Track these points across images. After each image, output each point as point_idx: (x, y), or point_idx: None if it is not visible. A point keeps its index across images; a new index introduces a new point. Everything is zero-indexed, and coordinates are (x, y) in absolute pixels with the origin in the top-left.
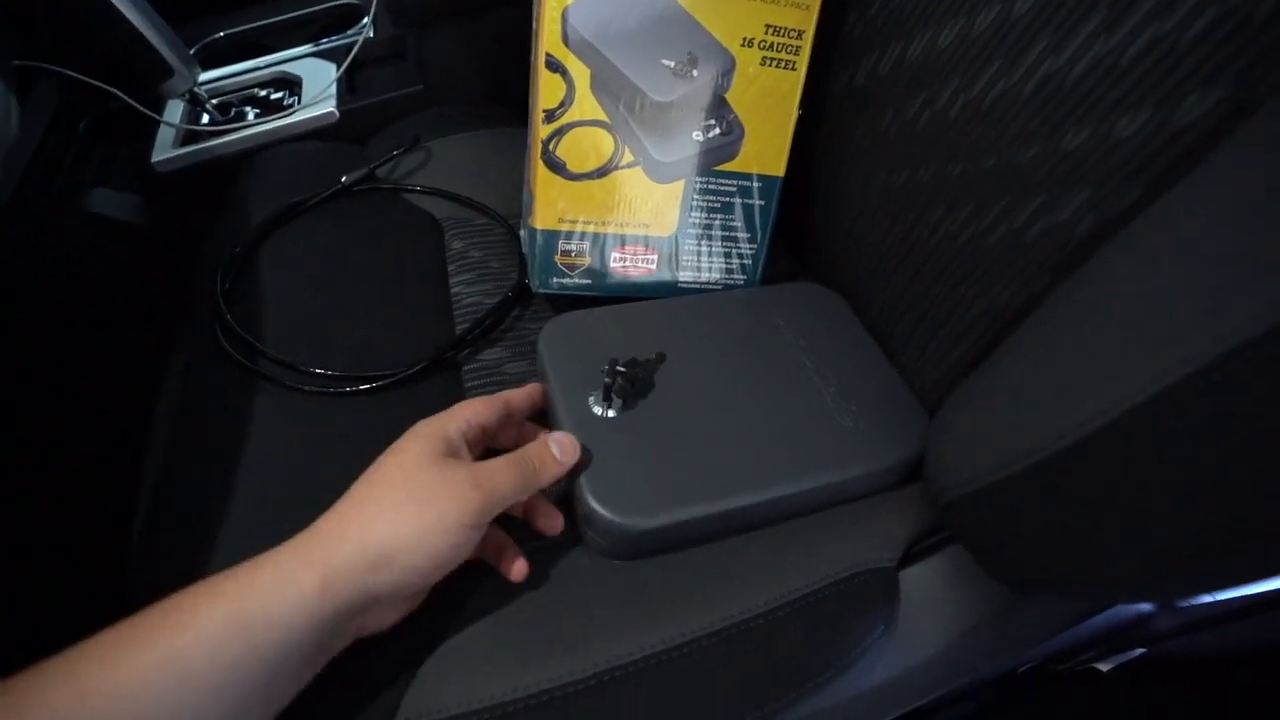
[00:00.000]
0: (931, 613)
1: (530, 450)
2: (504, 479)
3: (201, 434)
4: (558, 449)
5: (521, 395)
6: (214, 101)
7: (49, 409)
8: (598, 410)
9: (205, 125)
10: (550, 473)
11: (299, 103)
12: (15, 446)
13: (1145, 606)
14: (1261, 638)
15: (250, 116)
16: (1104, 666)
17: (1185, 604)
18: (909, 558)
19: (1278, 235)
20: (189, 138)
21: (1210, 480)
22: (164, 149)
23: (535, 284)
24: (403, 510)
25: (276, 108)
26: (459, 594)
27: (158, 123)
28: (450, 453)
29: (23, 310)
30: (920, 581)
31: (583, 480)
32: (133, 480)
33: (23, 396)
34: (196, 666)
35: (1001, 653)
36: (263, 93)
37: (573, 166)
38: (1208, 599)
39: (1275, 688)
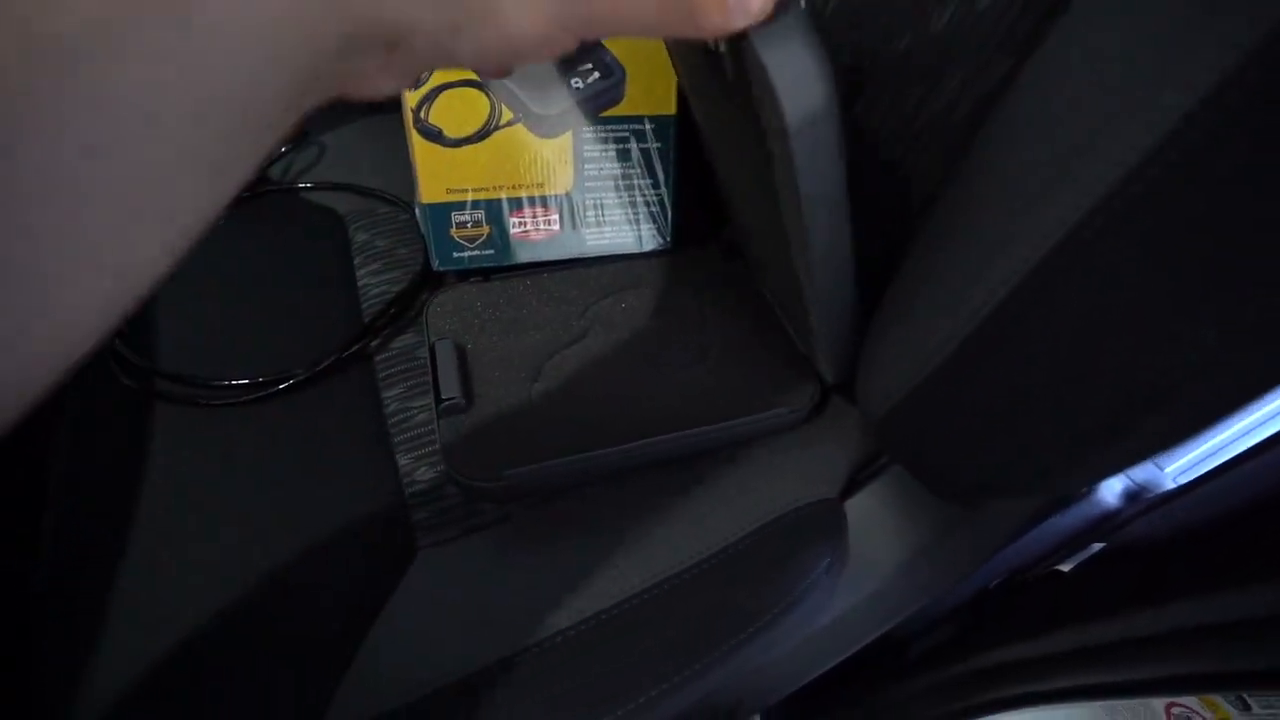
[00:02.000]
0: (881, 538)
1: None
2: None
3: (101, 465)
4: None
5: None
6: None
7: None
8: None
9: None
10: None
11: None
12: None
13: (1104, 504)
14: (1205, 511)
15: None
16: (1065, 567)
17: (1136, 490)
18: (851, 487)
19: (1142, 73)
20: None
21: (1114, 340)
22: None
23: (435, 263)
24: None
25: None
26: (384, 582)
27: None
28: None
29: None
30: (866, 509)
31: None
32: (31, 531)
33: None
34: None
35: (959, 570)
36: None
37: (450, 132)
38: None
39: (1215, 561)
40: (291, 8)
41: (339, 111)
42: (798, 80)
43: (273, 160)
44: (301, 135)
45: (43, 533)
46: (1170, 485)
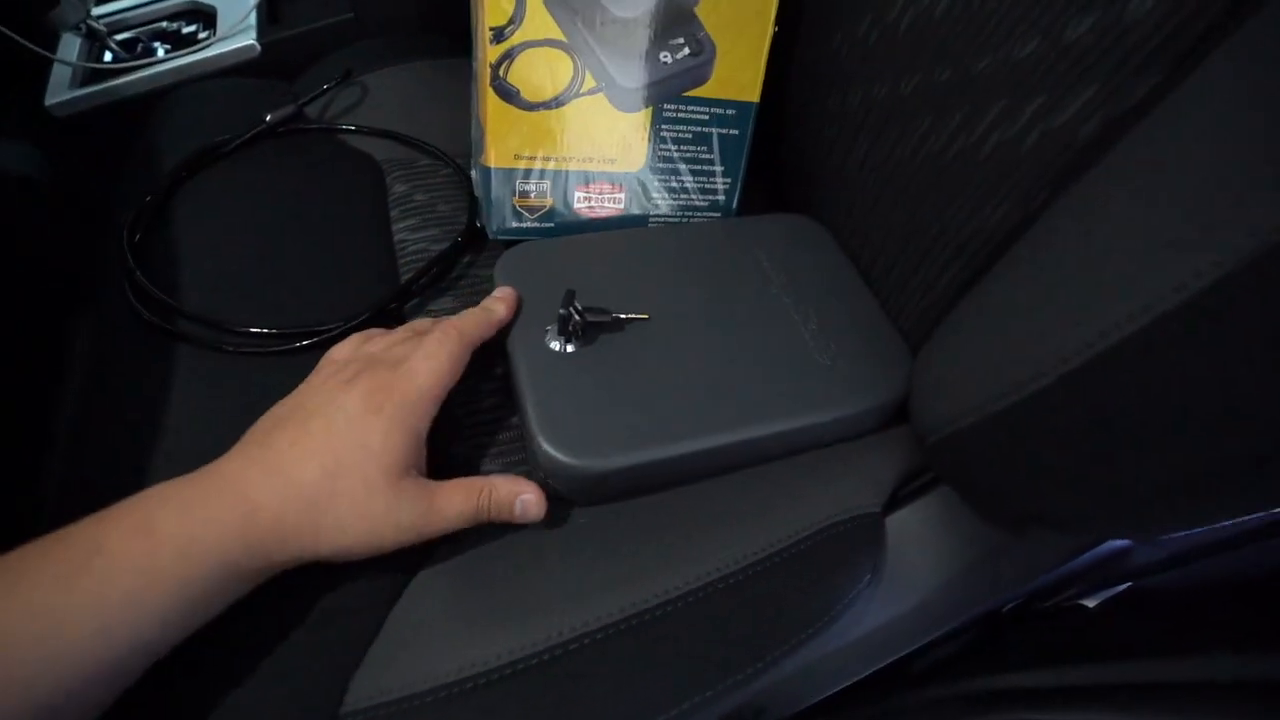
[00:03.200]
0: (920, 557)
1: (496, 494)
2: (452, 517)
3: (116, 407)
4: (521, 509)
5: (487, 324)
6: (117, 37)
7: None
8: (554, 345)
9: (108, 63)
10: (498, 520)
11: (214, 35)
12: None
13: (1139, 546)
14: (1246, 569)
15: (160, 52)
16: (1090, 602)
17: (1169, 537)
18: (895, 502)
19: None
20: (90, 78)
21: (1222, 406)
22: (59, 90)
23: (491, 229)
24: (354, 533)
25: (189, 41)
26: (411, 560)
27: (51, 61)
28: (418, 448)
29: None
30: (907, 526)
31: (533, 419)
32: (40, 463)
33: None
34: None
35: (992, 594)
36: (172, 25)
37: (527, 95)
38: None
39: (1260, 619)
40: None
41: (385, 52)
42: None
43: (312, 98)
44: (345, 74)
45: (46, 476)
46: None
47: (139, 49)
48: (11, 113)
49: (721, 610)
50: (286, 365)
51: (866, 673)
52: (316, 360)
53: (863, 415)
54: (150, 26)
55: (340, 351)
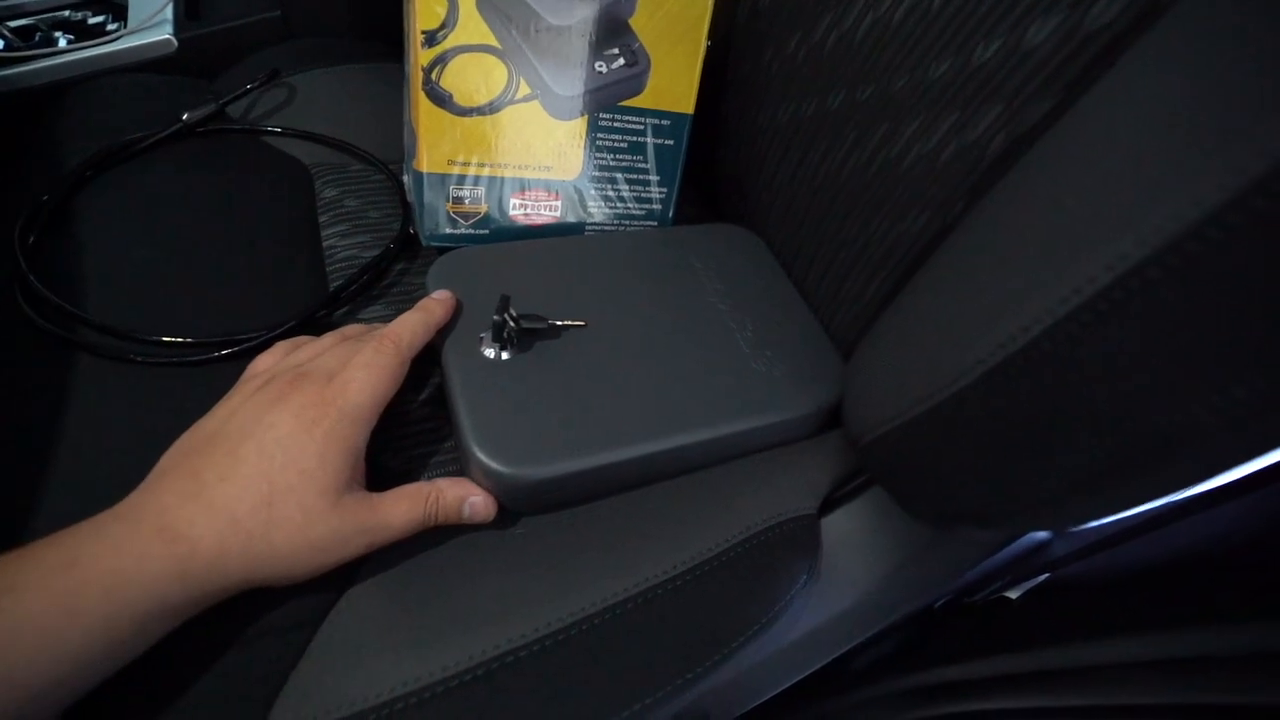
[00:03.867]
0: (855, 557)
1: (443, 498)
2: (400, 526)
3: (7, 423)
4: (469, 511)
5: (425, 328)
6: (10, 24)
7: None
8: (489, 353)
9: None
10: (447, 523)
11: (124, 27)
12: None
13: (1044, 534)
14: (1155, 555)
15: (62, 43)
16: (1013, 594)
17: (1083, 528)
18: (830, 504)
19: (1196, 136)
20: None
21: (1124, 397)
22: None
23: (424, 235)
24: (286, 561)
25: (96, 33)
26: (339, 576)
27: None
28: (356, 464)
29: None
30: (842, 527)
31: (466, 427)
32: None
33: None
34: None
35: (923, 591)
36: (76, 15)
37: (460, 100)
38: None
39: (1171, 601)
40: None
41: (314, 54)
42: None
43: (234, 96)
44: (272, 74)
45: None
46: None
47: (36, 37)
48: None
49: (660, 616)
50: (202, 378)
51: (807, 673)
52: (236, 374)
53: (798, 420)
54: (50, 15)
55: (264, 363)
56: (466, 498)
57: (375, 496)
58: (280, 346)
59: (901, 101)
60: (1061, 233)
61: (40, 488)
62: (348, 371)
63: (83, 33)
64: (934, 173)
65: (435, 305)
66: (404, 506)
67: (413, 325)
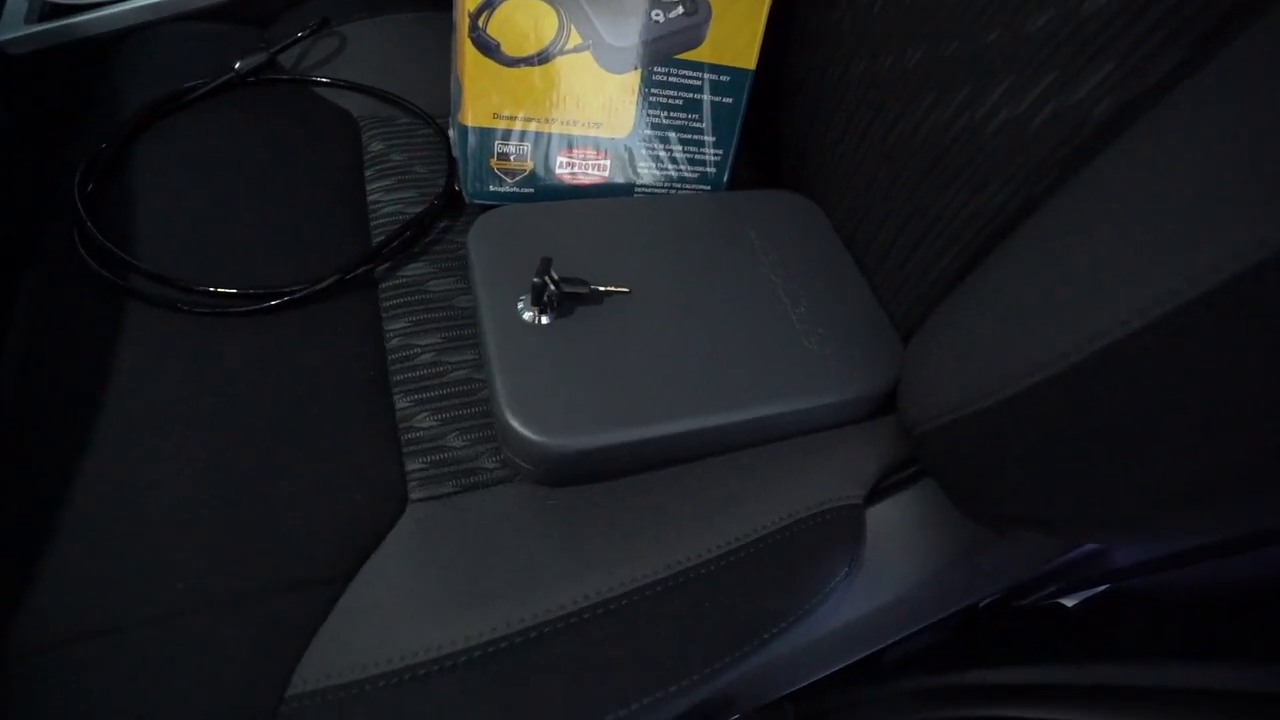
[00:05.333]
0: (900, 551)
1: None
2: None
3: (58, 366)
4: None
5: None
6: None
7: None
8: (528, 316)
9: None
10: None
11: None
12: None
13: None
14: (1228, 578)
15: None
16: (1069, 602)
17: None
18: (877, 493)
19: None
20: (47, 13)
21: (1229, 411)
22: (14, 25)
23: (467, 192)
24: None
25: None
26: (371, 534)
27: None
28: None
29: None
30: (888, 518)
31: (500, 393)
32: None
33: None
34: None
35: (970, 590)
36: None
37: (508, 49)
38: None
39: (1240, 627)
40: None
41: (365, 2)
42: None
43: (284, 46)
44: (322, 23)
45: None
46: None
47: None
48: None
49: (695, 600)
50: (247, 328)
51: (841, 665)
52: (279, 326)
53: (849, 404)
54: None
55: None
56: None
57: None
58: None
59: (992, 58)
60: (1183, 212)
61: (88, 430)
62: None
63: None
64: (1024, 139)
65: None
66: None
67: None
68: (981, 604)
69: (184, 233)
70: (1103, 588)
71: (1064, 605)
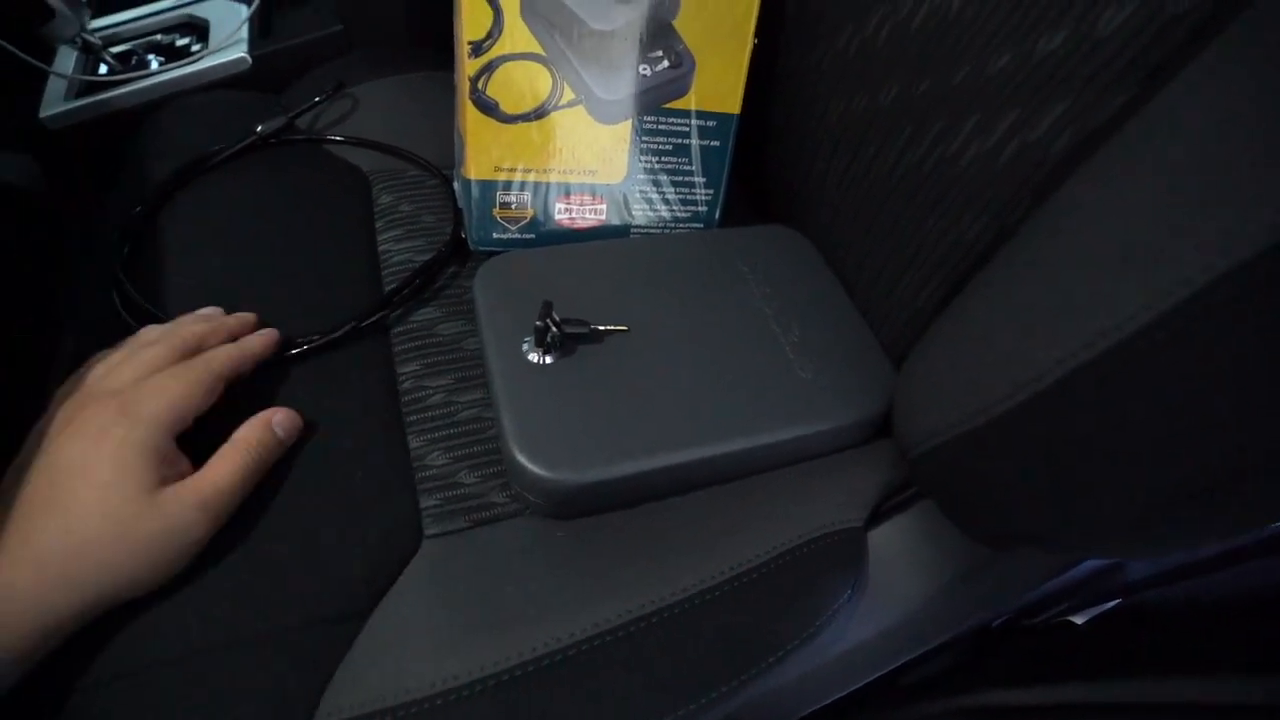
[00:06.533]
0: (902, 573)
1: (253, 437)
2: (229, 483)
3: None
4: (281, 431)
5: (240, 358)
6: (113, 50)
7: None
8: (532, 357)
9: (102, 75)
10: (276, 455)
11: (206, 48)
12: None
13: (1128, 563)
14: (1240, 588)
15: (154, 65)
16: (1078, 619)
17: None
18: (877, 516)
19: None
20: (84, 90)
21: (1210, 417)
22: (55, 102)
23: (472, 241)
24: (121, 571)
25: (182, 54)
26: (388, 570)
27: (47, 74)
28: (163, 463)
29: None
30: (889, 541)
31: (508, 431)
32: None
33: None
34: None
35: (977, 610)
36: (166, 38)
37: (506, 107)
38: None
39: (1252, 638)
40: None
41: (373, 65)
42: None
43: (303, 110)
44: (337, 86)
45: None
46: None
47: (133, 61)
48: (7, 124)
49: (699, 626)
50: (269, 376)
51: (850, 689)
52: (301, 373)
53: (845, 429)
54: (145, 39)
55: (63, 391)
56: (270, 423)
57: (198, 473)
58: (80, 372)
59: (959, 96)
60: (1139, 237)
61: None
62: (145, 383)
63: (171, 54)
64: (994, 173)
65: (254, 339)
66: (225, 466)
67: (227, 351)
68: (994, 624)
69: (212, 288)
70: (1112, 603)
71: (1073, 623)
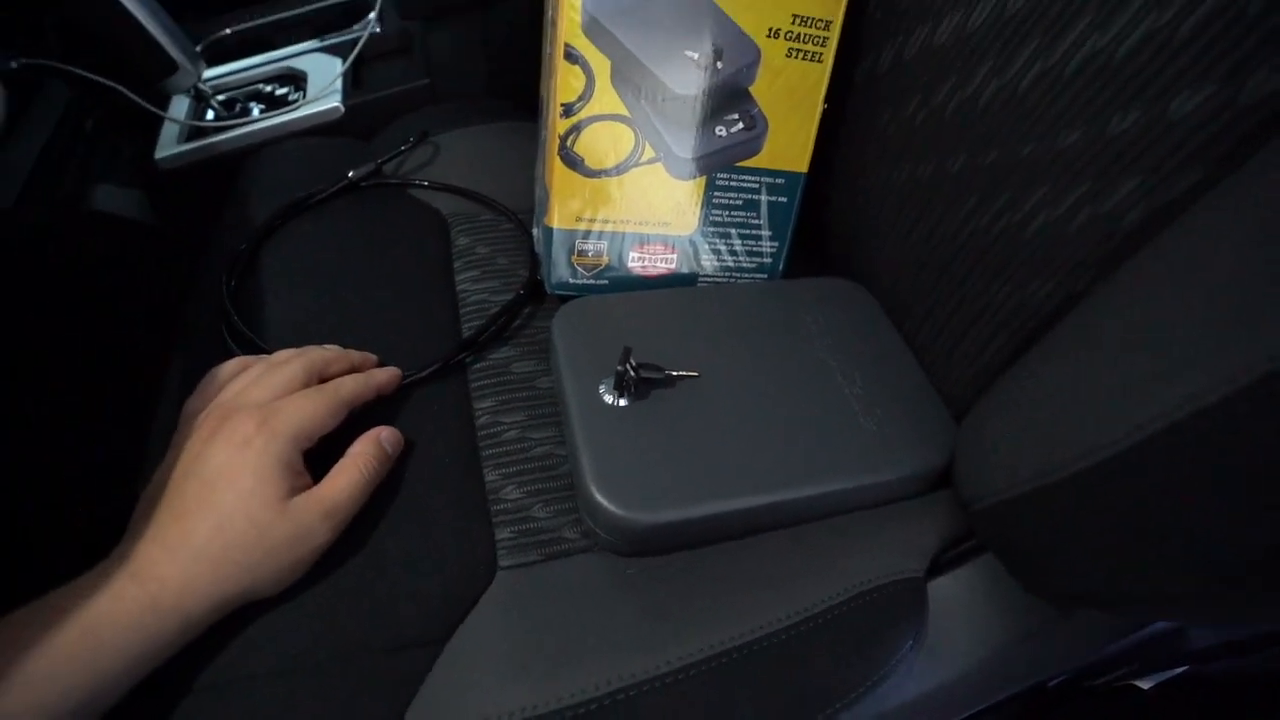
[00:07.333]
0: (963, 626)
1: (367, 452)
2: (349, 494)
3: None
4: (390, 446)
5: (366, 387)
6: (219, 97)
7: (49, 411)
8: (608, 399)
9: (210, 121)
10: (385, 470)
11: (304, 98)
12: (14, 449)
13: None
14: None
15: (255, 112)
16: (1144, 684)
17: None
18: (938, 567)
19: None
20: (194, 134)
21: (1275, 495)
22: (168, 145)
23: (550, 284)
24: (258, 570)
25: (281, 103)
26: (465, 598)
27: (162, 119)
28: (293, 474)
29: (26, 311)
30: (949, 593)
31: (586, 470)
32: (131, 484)
33: (23, 397)
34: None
35: (1038, 669)
36: (268, 88)
37: (591, 163)
38: None
39: None
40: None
41: (455, 116)
42: None
43: (392, 156)
44: (422, 135)
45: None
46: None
47: (237, 109)
48: (128, 165)
49: (761, 670)
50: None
51: None
52: (384, 406)
53: (907, 480)
54: (249, 89)
55: (193, 405)
56: (380, 439)
57: (321, 485)
58: (203, 385)
59: (1028, 168)
60: (1211, 312)
61: None
62: (282, 401)
63: (271, 103)
64: (1063, 240)
65: (380, 373)
66: (344, 479)
67: (356, 380)
68: (1051, 684)
69: (304, 324)
70: (1180, 670)
71: (1139, 687)
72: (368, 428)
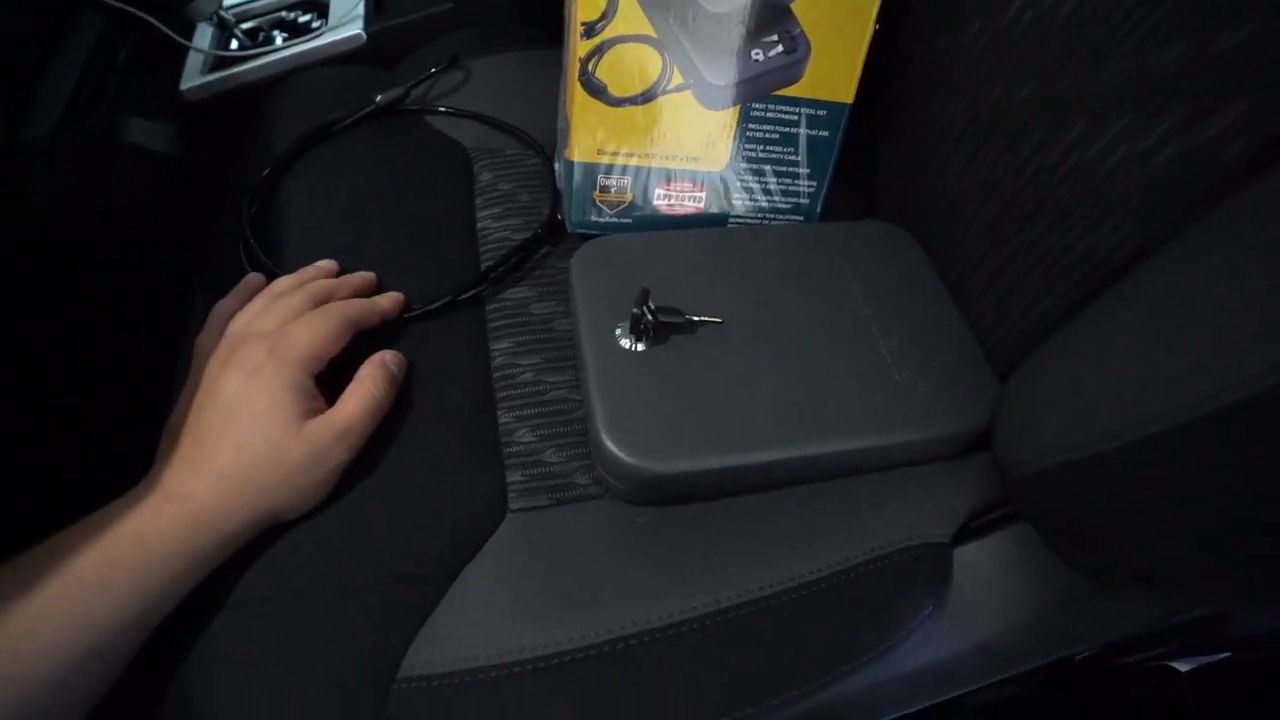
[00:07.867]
0: (988, 596)
1: (375, 374)
2: (360, 415)
3: None
4: (394, 366)
5: (369, 312)
6: (242, 26)
7: (79, 339)
8: (625, 343)
9: (233, 51)
10: (394, 392)
11: (325, 24)
12: (41, 379)
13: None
14: None
15: (278, 40)
16: (1182, 666)
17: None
18: (966, 533)
19: None
20: (217, 64)
21: None
22: (192, 76)
23: (570, 222)
24: (280, 490)
25: (304, 30)
26: (475, 536)
27: (187, 49)
28: (306, 398)
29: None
30: (976, 561)
31: (598, 416)
32: (160, 413)
33: (54, 327)
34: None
35: (1066, 643)
36: (290, 15)
37: (615, 90)
38: None
39: None
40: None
41: (482, 42)
42: None
43: (419, 80)
44: (452, 59)
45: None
46: None
47: (260, 37)
48: (157, 97)
49: (776, 627)
50: (370, 342)
51: (916, 708)
52: (391, 340)
53: (940, 441)
54: (271, 16)
55: (204, 339)
56: (384, 361)
57: (334, 408)
58: (213, 319)
59: (1108, 94)
60: None
61: None
62: (287, 328)
63: (294, 30)
64: (1143, 180)
65: (384, 299)
66: (355, 401)
67: (359, 303)
68: (1077, 658)
69: (321, 251)
70: (1223, 655)
71: (1175, 669)
72: (360, 356)
